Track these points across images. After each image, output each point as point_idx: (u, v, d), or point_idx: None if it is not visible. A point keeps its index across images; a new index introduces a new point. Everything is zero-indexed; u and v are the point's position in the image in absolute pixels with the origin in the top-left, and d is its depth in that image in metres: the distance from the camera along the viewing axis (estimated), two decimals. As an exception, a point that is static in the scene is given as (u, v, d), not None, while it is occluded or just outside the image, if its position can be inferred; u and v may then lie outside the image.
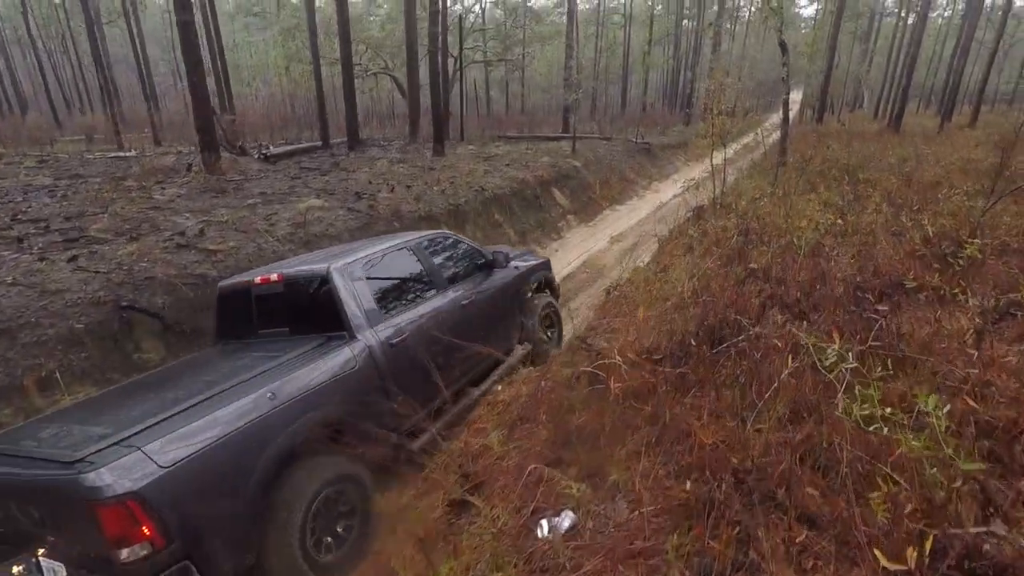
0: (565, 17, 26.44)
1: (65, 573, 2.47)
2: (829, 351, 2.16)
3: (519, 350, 4.98)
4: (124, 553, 2.24)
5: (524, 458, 2.77)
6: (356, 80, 34.00)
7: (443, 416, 3.91)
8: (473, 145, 20.07)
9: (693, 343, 2.87)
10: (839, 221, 5.33)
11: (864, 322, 2.90)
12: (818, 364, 2.22)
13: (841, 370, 2.12)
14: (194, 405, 2.69)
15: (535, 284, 5.57)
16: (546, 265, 5.94)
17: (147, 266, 5.57)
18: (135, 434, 2.43)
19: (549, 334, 5.56)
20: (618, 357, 2.86)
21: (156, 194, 9.36)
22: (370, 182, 10.79)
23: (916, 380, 2.51)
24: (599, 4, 43.84)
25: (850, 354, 2.15)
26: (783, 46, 10.72)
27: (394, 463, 3.30)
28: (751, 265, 3.67)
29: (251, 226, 7.09)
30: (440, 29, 13.75)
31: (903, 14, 35.95)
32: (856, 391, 2.04)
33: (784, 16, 10.57)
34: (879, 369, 2.24)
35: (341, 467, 3.05)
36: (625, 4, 45.53)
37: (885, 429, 1.87)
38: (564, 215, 12.85)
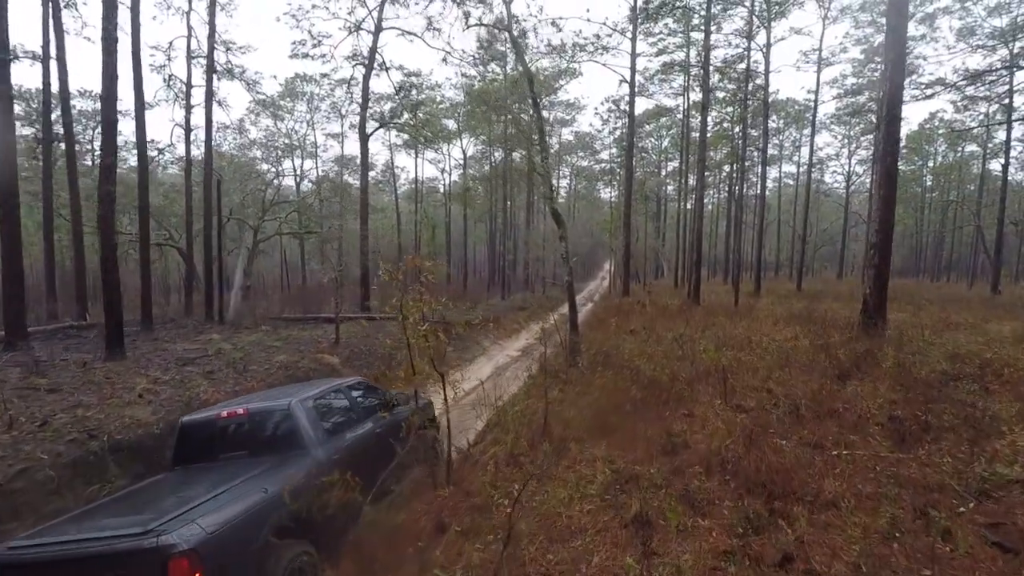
0: (359, 191, 24.49)
1: None
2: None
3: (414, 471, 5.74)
4: None
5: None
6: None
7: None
8: (220, 333, 15.32)
9: None
10: None
11: None
12: None
13: None
14: (214, 496, 3.64)
15: (425, 419, 6.29)
16: (431, 405, 6.81)
17: None
18: (185, 512, 3.38)
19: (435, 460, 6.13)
20: None
21: None
22: None
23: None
24: (417, 182, 44.73)
25: None
26: (556, 215, 8.61)
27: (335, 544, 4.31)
28: None
29: None
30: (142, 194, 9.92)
31: (681, 198, 41.19)
32: None
33: (555, 190, 8.55)
34: None
35: (303, 546, 3.90)
36: (446, 183, 47.12)
37: None
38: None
